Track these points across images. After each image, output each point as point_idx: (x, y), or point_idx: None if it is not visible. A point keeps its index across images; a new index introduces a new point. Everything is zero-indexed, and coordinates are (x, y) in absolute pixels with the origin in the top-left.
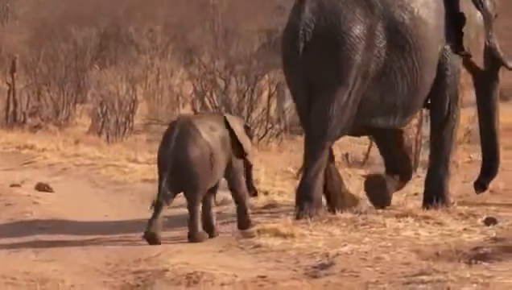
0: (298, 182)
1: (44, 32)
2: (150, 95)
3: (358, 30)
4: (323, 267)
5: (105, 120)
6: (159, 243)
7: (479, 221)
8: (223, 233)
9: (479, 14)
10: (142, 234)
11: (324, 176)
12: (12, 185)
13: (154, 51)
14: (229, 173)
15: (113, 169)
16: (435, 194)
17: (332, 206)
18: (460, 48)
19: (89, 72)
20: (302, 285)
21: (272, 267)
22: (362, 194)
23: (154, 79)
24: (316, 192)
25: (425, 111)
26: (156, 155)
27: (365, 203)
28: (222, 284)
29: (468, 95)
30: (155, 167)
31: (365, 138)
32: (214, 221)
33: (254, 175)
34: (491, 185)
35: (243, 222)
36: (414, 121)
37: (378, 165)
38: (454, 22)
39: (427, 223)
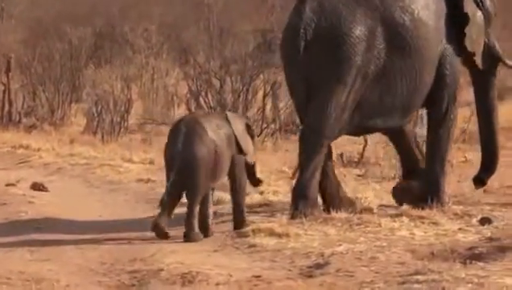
0: (294, 181)
1: (39, 32)
2: (145, 95)
3: (359, 31)
4: (318, 266)
5: (100, 120)
6: (167, 237)
7: (474, 220)
8: (218, 232)
9: (479, 13)
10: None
11: (322, 175)
12: (7, 185)
13: (149, 50)
14: (232, 171)
15: (108, 169)
16: (430, 193)
17: (328, 207)
18: (463, 48)
19: (84, 72)
20: (297, 285)
21: (267, 266)
22: (357, 195)
23: (149, 78)
24: (312, 192)
25: (420, 110)
26: (164, 154)
27: (361, 204)
28: (217, 284)
29: (463, 94)
30: (150, 167)
31: (359, 138)
32: (210, 221)
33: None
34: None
35: (238, 222)
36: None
37: (373, 165)
38: (456, 22)
39: (422, 223)
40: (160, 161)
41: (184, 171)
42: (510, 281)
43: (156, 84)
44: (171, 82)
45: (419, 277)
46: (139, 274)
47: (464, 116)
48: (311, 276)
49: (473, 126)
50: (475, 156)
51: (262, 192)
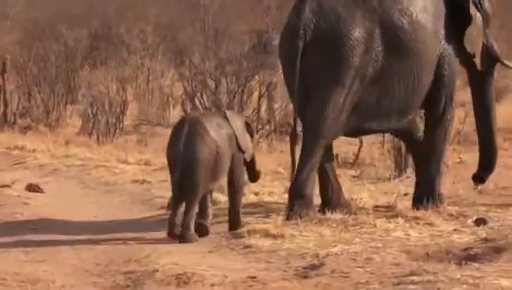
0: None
1: (35, 33)
2: (140, 96)
3: (357, 32)
4: (313, 267)
5: (95, 121)
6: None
7: (469, 221)
8: (213, 233)
9: (478, 14)
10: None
11: (323, 177)
12: (2, 186)
13: (144, 51)
14: (232, 171)
15: (104, 170)
16: (426, 194)
17: (324, 208)
18: (462, 49)
19: (80, 73)
20: (292, 286)
21: (262, 267)
22: (353, 195)
23: (144, 80)
24: (308, 193)
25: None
26: (166, 155)
27: (356, 205)
28: (212, 285)
29: (459, 95)
30: (145, 168)
31: (355, 139)
32: (208, 222)
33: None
34: (481, 186)
35: (234, 223)
36: None
37: (368, 166)
38: (456, 23)
39: (418, 224)
40: (155, 162)
41: (185, 172)
42: (506, 282)
43: (151, 85)
44: (166, 83)
45: (414, 278)
46: (134, 275)
47: (459, 117)
48: (306, 277)
49: (468, 128)
50: (470, 157)
51: (257, 193)
